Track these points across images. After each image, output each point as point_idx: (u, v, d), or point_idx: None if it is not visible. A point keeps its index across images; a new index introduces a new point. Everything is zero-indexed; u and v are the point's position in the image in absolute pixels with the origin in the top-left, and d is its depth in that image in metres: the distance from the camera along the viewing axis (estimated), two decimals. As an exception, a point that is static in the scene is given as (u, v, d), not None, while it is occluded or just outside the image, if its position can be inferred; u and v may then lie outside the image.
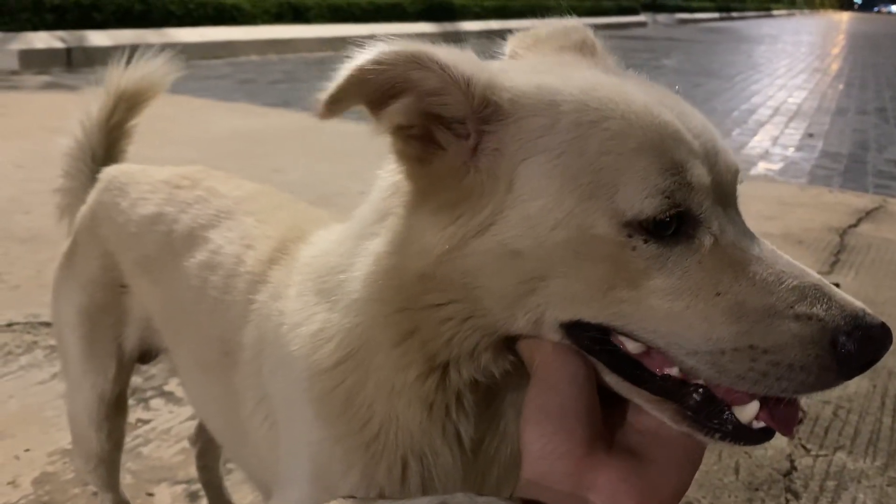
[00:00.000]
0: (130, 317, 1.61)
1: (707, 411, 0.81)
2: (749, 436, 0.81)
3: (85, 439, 1.73)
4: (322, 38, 14.38)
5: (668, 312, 0.79)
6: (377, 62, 0.80)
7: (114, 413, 1.70)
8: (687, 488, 0.81)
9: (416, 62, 0.81)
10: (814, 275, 0.80)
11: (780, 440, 2.65)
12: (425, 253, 0.86)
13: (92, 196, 1.68)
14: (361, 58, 0.80)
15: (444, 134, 0.85)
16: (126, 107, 1.84)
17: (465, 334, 0.87)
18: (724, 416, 0.81)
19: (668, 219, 0.79)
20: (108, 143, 1.85)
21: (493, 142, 0.84)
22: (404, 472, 0.95)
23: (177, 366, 1.56)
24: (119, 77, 1.81)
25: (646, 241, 0.79)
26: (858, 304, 0.78)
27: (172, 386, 2.77)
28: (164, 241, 1.47)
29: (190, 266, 1.40)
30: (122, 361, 1.65)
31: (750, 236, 0.84)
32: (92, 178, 1.79)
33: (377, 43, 0.82)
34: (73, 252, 1.68)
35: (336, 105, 0.82)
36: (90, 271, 1.63)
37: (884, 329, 0.77)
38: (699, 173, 0.81)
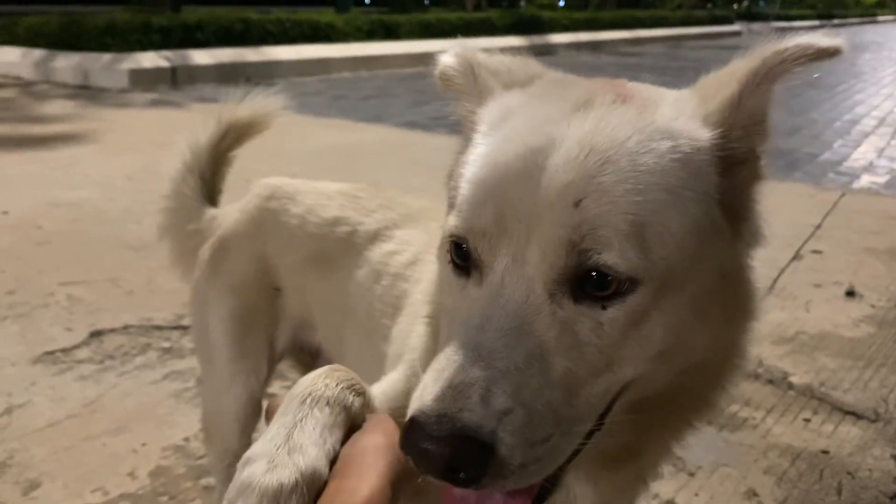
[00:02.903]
0: (283, 316, 1.73)
1: None
2: None
3: (226, 437, 1.80)
4: (412, 54, 14.64)
5: None
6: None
7: (256, 413, 1.77)
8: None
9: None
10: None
11: (885, 462, 2.56)
12: None
13: (251, 203, 1.79)
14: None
15: None
16: (235, 136, 2.01)
17: None
18: None
19: (463, 248, 0.87)
20: (214, 167, 2.01)
21: None
22: None
23: (342, 341, 1.66)
24: (232, 110, 1.96)
25: (450, 262, 0.90)
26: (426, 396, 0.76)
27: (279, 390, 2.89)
28: (345, 239, 1.64)
29: (372, 255, 1.58)
30: (272, 361, 1.75)
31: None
32: (199, 198, 1.95)
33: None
34: (221, 257, 1.77)
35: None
36: (243, 275, 1.73)
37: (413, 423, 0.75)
38: (481, 216, 0.85)
